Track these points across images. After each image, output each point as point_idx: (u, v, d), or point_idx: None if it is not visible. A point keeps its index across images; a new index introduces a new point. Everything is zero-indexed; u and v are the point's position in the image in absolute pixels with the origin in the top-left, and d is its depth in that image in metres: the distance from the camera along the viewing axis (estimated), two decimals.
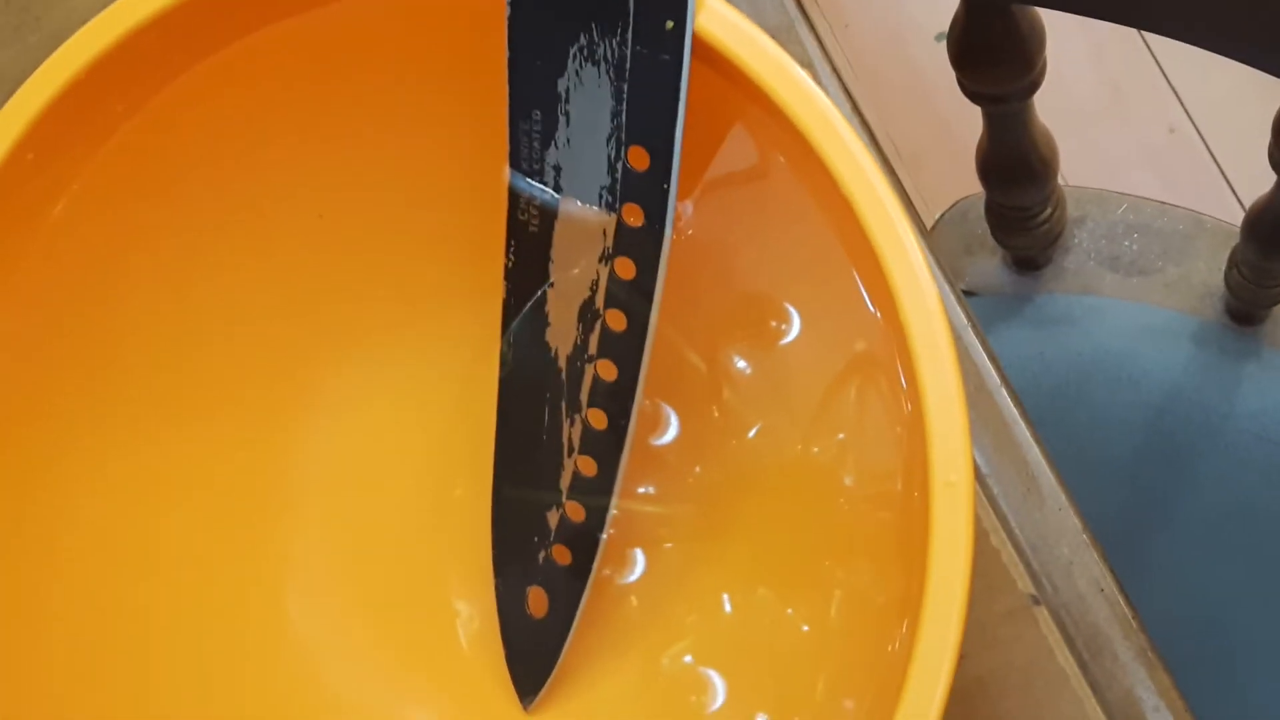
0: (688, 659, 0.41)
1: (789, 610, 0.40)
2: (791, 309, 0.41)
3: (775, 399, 0.41)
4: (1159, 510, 0.75)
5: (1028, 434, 0.44)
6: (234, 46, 0.38)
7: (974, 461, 0.43)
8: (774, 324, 0.41)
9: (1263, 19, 0.44)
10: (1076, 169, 1.26)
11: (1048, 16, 0.58)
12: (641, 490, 0.43)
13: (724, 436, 0.42)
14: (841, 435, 0.40)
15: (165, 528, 0.41)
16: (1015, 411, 0.44)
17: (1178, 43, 0.49)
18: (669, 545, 0.43)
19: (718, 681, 0.41)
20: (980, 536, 0.43)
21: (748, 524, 0.42)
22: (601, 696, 0.42)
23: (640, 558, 0.43)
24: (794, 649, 0.40)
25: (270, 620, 0.42)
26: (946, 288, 0.45)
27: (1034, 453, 0.44)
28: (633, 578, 0.43)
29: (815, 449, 0.40)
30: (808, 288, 0.40)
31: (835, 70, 0.48)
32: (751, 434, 0.42)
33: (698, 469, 0.43)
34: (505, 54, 0.36)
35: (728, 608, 0.41)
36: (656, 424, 0.43)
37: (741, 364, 0.42)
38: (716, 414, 0.42)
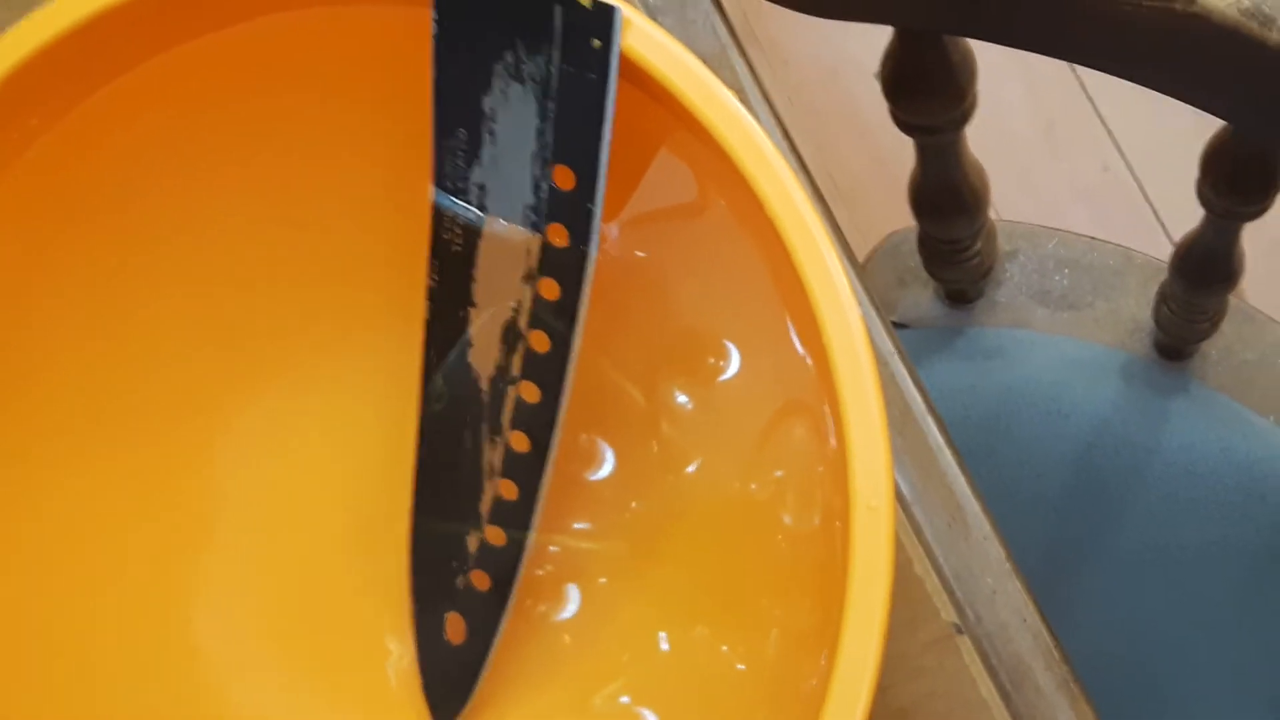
0: (624, 699, 0.41)
1: (725, 648, 0.40)
2: (730, 345, 0.40)
3: (714, 435, 0.41)
4: (1086, 544, 0.76)
5: (953, 463, 0.44)
6: (152, 62, 0.37)
7: (898, 489, 0.43)
8: (713, 360, 0.41)
9: (1177, 52, 0.44)
10: (1011, 206, 1.27)
11: (982, 52, 0.59)
12: (577, 526, 0.43)
13: (662, 472, 0.42)
14: (780, 473, 0.39)
15: (81, 561, 0.40)
16: (941, 440, 0.44)
17: (1112, 83, 0.50)
18: (603, 581, 0.42)
19: None
20: (904, 565, 0.42)
21: (685, 561, 0.41)
22: None
23: (574, 594, 0.42)
24: (730, 688, 0.39)
25: (185, 651, 0.41)
26: (874, 315, 0.45)
27: (959, 482, 0.44)
28: (566, 614, 0.42)
29: (753, 486, 0.40)
30: (744, 323, 0.40)
31: (767, 97, 0.47)
32: (690, 469, 0.42)
33: (634, 504, 0.42)
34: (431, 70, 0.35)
35: (664, 646, 0.41)
36: (591, 459, 0.43)
37: (681, 399, 0.42)
38: (655, 448, 0.42)
